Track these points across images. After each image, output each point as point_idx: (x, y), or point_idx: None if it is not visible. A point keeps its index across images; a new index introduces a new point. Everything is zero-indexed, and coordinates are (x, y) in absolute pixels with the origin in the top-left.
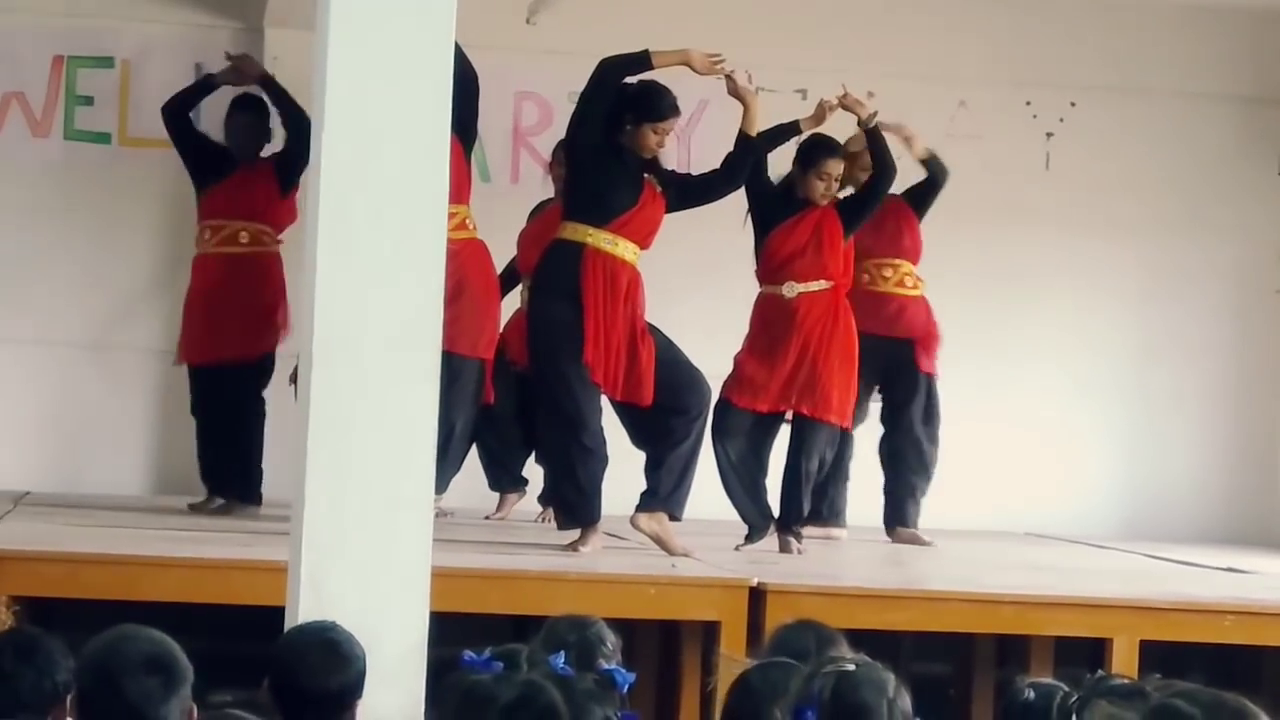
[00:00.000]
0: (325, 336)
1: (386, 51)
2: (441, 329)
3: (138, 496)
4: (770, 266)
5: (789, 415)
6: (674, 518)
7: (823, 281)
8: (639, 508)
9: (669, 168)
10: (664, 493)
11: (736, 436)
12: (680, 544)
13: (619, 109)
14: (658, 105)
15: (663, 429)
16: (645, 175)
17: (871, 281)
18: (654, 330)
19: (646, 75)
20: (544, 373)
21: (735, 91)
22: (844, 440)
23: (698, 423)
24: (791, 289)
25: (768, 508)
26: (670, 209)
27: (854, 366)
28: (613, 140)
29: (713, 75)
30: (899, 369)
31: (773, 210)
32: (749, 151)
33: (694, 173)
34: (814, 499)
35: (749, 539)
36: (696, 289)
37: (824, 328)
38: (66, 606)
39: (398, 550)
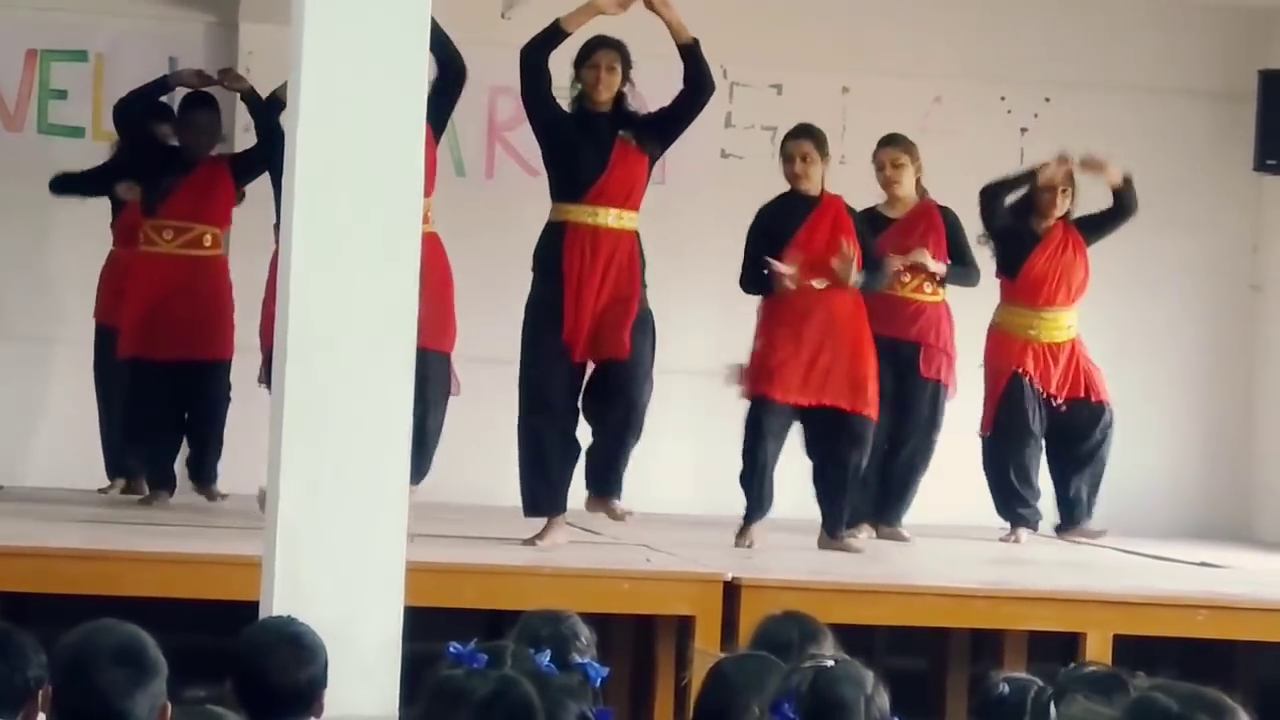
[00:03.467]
0: (300, 332)
1: (362, 46)
2: (416, 324)
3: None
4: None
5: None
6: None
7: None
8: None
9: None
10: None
11: (776, 434)
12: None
13: (573, 75)
14: (583, 48)
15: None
16: (619, 134)
17: (889, 285)
18: (644, 311)
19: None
20: (524, 353)
21: (650, 4)
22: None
23: (634, 419)
24: (821, 282)
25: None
26: (655, 155)
27: (876, 359)
28: (570, 112)
29: (624, 10)
30: (906, 372)
31: (784, 219)
32: (696, 57)
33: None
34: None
35: (747, 531)
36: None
37: (854, 322)
38: (40, 601)
39: (373, 545)
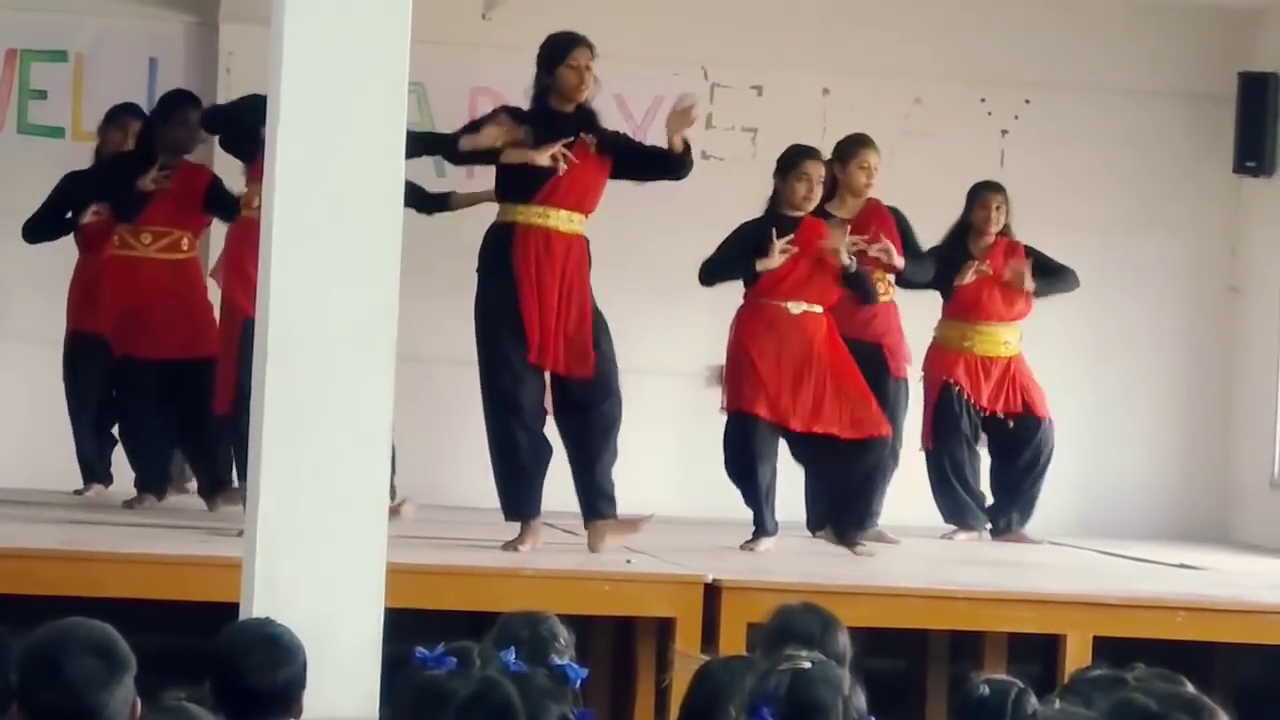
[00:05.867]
0: (280, 334)
1: (343, 47)
2: (395, 327)
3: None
4: (772, 289)
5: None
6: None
7: (820, 307)
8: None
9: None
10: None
11: (768, 455)
12: (635, 523)
13: (538, 72)
14: (561, 46)
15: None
16: (581, 135)
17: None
18: (598, 314)
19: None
20: (485, 357)
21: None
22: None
23: (612, 432)
24: (798, 306)
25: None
26: (615, 174)
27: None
28: (528, 110)
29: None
30: (874, 372)
31: (768, 234)
32: (683, 157)
33: (642, 143)
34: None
35: (755, 543)
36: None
37: (834, 347)
38: (18, 603)
39: (352, 546)
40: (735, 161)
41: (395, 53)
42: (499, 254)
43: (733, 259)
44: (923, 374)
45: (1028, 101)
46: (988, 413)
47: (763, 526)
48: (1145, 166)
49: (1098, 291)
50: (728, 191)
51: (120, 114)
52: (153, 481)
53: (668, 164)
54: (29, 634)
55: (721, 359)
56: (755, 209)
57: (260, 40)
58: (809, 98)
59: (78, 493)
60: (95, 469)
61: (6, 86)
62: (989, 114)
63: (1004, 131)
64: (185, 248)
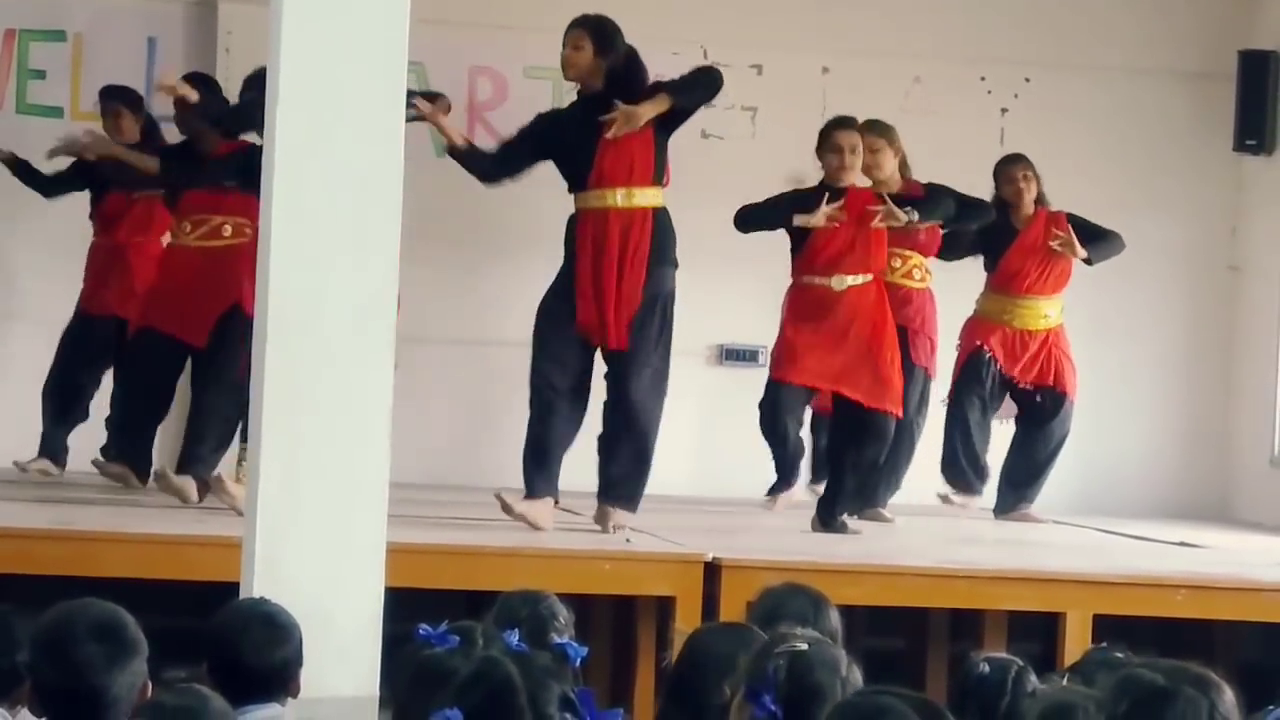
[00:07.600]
0: (280, 314)
1: (342, 27)
2: (396, 308)
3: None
4: (814, 260)
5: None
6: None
7: (868, 275)
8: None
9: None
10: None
11: (792, 409)
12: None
13: None
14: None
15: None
16: (610, 110)
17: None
18: (653, 294)
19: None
20: (534, 336)
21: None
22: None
23: (635, 413)
24: (841, 282)
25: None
26: (662, 130)
27: (898, 352)
28: (567, 106)
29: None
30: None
31: (809, 208)
32: (687, 93)
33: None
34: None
35: (774, 499)
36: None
37: (877, 319)
38: (18, 583)
39: (353, 526)
40: (735, 140)
41: (395, 32)
42: (569, 241)
43: (776, 211)
44: (959, 342)
45: (1028, 80)
46: (1020, 385)
47: (785, 477)
48: (1146, 145)
49: (1098, 271)
50: (727, 170)
51: (106, 100)
52: (136, 455)
53: (704, 87)
54: (32, 614)
55: (728, 339)
56: (755, 187)
57: (260, 20)
58: (809, 77)
59: (17, 464)
60: (51, 445)
61: (5, 66)
62: (989, 93)
63: (1004, 110)
64: (227, 234)
